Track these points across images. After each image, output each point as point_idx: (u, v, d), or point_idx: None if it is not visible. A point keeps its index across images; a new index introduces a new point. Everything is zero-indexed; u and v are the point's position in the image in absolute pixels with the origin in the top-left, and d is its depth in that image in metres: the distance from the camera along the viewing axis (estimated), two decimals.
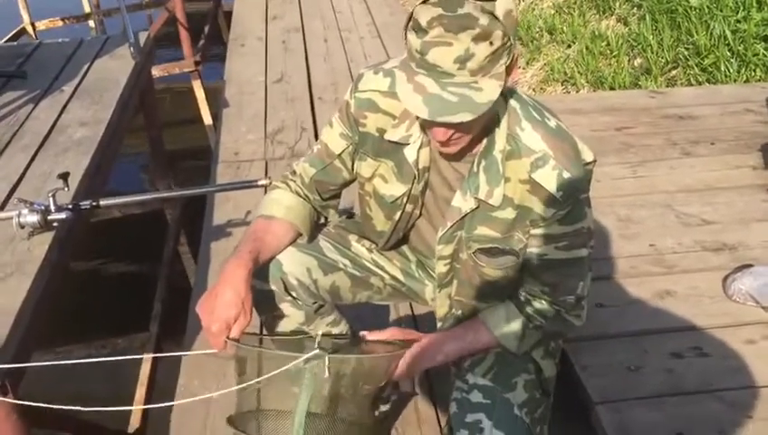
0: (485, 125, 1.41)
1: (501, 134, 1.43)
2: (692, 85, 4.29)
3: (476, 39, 1.20)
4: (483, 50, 1.21)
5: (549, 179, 1.40)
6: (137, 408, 2.27)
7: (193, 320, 2.45)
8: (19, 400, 1.41)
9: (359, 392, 1.40)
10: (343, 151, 1.61)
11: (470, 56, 1.21)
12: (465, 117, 1.23)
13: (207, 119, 5.22)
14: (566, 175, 1.40)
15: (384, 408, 1.58)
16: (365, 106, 1.54)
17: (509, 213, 1.46)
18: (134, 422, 2.24)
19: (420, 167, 1.52)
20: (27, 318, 1.48)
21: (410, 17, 1.26)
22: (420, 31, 1.23)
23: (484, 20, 1.20)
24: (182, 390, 2.15)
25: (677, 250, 2.35)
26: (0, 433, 1.43)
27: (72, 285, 2.89)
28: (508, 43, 1.25)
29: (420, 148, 1.50)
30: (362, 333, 1.61)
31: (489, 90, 1.24)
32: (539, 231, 1.47)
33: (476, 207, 1.47)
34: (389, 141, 1.52)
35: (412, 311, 2.42)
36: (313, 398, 1.34)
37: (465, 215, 1.49)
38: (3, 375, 1.33)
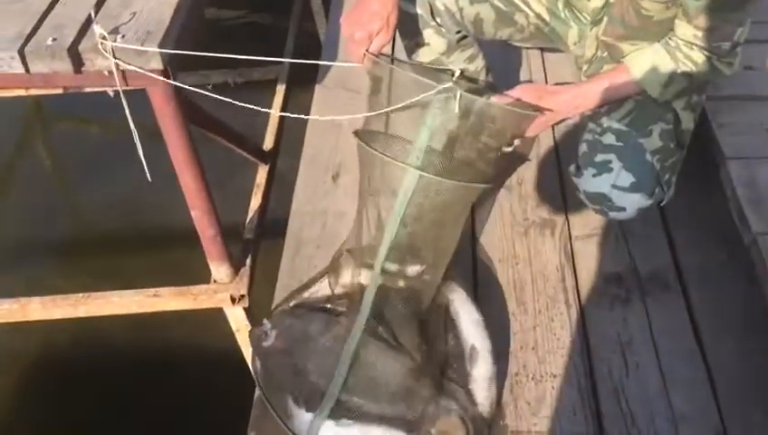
0: None
1: None
2: None
3: None
4: None
5: None
6: (276, 113, 2.41)
7: (327, 51, 2.51)
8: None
9: (480, 140, 1.41)
10: None
11: None
12: None
13: None
14: None
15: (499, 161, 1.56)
16: None
17: None
18: (268, 143, 2.40)
19: None
20: (184, 15, 1.55)
21: None
22: None
23: None
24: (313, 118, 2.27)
25: None
26: (161, 116, 1.56)
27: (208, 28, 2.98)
28: None
29: None
30: (490, 98, 1.50)
31: None
32: None
33: None
34: None
35: (543, 61, 2.39)
36: (436, 132, 1.36)
37: None
38: (167, 60, 1.42)
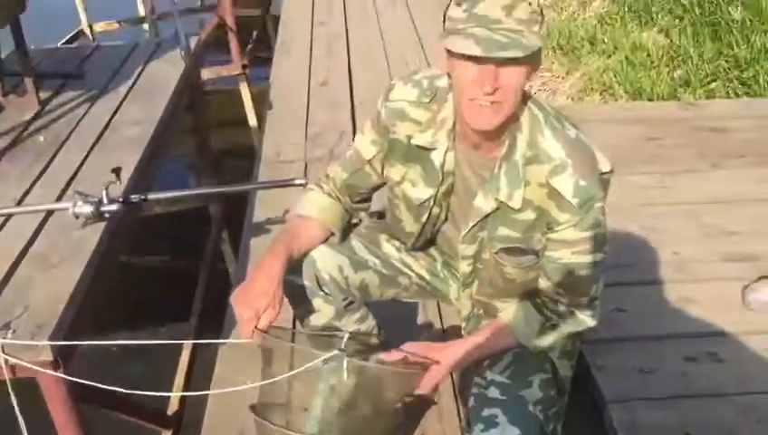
0: (509, 126, 1.50)
1: (522, 140, 1.52)
2: (731, 98, 4.30)
3: None
4: (524, 7, 1.35)
5: (566, 186, 1.49)
6: (176, 394, 2.40)
7: (231, 314, 2.57)
8: (69, 376, 1.54)
9: (377, 397, 1.47)
10: (374, 157, 1.71)
11: (515, 5, 1.34)
12: (517, 53, 1.33)
13: (253, 120, 5.35)
14: (582, 183, 1.48)
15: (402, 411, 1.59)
16: (395, 115, 1.64)
17: (529, 214, 1.54)
18: (173, 406, 2.38)
19: (445, 170, 1.61)
20: (78, 302, 1.61)
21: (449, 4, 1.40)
22: (464, 2, 1.36)
23: None
24: (218, 378, 2.28)
25: (700, 259, 2.40)
26: (51, 403, 1.56)
27: (119, 276, 3.05)
28: (542, 15, 1.38)
29: (446, 152, 1.60)
30: (380, 355, 1.62)
31: (534, 40, 1.36)
32: (555, 235, 1.55)
33: (497, 209, 1.56)
34: (417, 146, 1.62)
35: (438, 309, 2.51)
36: (333, 394, 1.41)
37: (487, 215, 1.58)
38: (56, 351, 1.46)
